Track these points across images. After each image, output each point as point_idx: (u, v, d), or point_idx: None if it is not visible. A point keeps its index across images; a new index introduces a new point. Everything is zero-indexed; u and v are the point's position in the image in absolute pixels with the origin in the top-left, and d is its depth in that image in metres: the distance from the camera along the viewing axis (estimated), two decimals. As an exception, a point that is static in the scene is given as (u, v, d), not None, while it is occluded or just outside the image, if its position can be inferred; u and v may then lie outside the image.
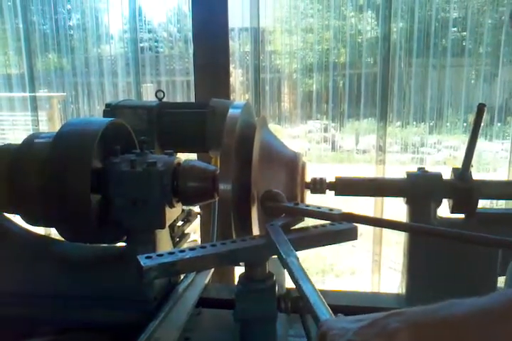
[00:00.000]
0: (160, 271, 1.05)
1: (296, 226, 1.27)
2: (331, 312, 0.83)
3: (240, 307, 1.19)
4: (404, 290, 1.63)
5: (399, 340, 0.70)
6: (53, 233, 1.60)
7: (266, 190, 1.29)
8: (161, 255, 1.08)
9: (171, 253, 1.10)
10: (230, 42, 2.74)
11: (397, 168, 4.43)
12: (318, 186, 1.51)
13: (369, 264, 4.01)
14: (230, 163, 1.26)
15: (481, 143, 4.32)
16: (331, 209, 1.23)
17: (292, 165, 1.42)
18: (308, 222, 1.33)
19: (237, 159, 1.29)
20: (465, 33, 4.35)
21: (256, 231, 1.34)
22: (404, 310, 0.74)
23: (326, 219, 1.23)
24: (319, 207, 1.25)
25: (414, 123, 4.55)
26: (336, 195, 1.54)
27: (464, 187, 1.49)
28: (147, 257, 1.07)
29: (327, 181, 1.52)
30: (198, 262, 1.10)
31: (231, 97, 2.78)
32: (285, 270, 1.55)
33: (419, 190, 1.52)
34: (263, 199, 1.27)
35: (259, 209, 1.31)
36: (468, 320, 0.69)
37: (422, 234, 1.46)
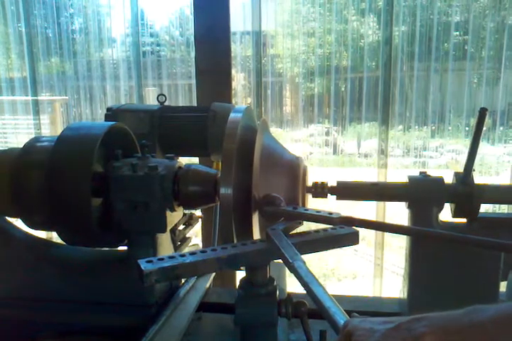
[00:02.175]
0: (160, 275, 1.05)
1: (297, 231, 1.27)
2: (346, 315, 0.83)
3: (240, 311, 1.19)
4: (405, 295, 1.63)
5: None
6: (55, 237, 1.60)
7: (267, 193, 1.28)
8: (161, 259, 1.08)
9: (171, 257, 1.09)
10: (232, 46, 2.74)
11: (400, 171, 4.42)
12: (320, 190, 1.50)
13: (371, 269, 4.00)
14: (230, 167, 1.26)
15: (483, 146, 4.31)
16: (330, 213, 1.22)
17: (293, 169, 1.42)
18: (311, 226, 1.32)
19: (238, 163, 1.28)
20: (467, 37, 4.35)
21: (257, 235, 1.34)
22: (429, 315, 0.74)
23: (325, 223, 1.23)
24: (318, 211, 1.24)
25: (417, 127, 4.55)
26: (337, 199, 1.53)
27: (465, 192, 1.48)
28: (148, 261, 1.07)
29: (328, 185, 1.52)
30: (199, 266, 1.10)
31: (233, 101, 2.78)
32: (286, 274, 1.55)
33: (420, 194, 1.51)
34: (262, 204, 1.27)
35: (260, 213, 1.30)
36: (495, 325, 0.70)
37: (421, 237, 1.46)
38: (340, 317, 0.82)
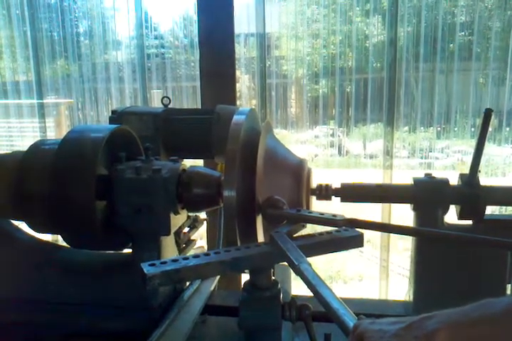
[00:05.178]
0: (163, 279, 1.04)
1: (301, 234, 1.26)
2: (355, 316, 0.82)
3: (244, 314, 1.18)
4: (411, 298, 1.61)
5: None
6: (60, 239, 1.60)
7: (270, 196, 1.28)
8: (164, 262, 1.08)
9: (174, 260, 1.09)
10: (236, 48, 2.74)
11: (406, 172, 4.41)
12: (324, 192, 1.49)
13: (377, 271, 3.98)
14: (234, 170, 1.26)
15: (489, 147, 4.29)
16: (334, 215, 1.22)
17: (297, 171, 1.41)
18: (316, 228, 1.32)
19: (242, 165, 1.28)
20: (473, 37, 4.33)
21: (261, 238, 1.33)
22: (438, 312, 0.74)
23: (329, 225, 1.22)
24: (322, 213, 1.24)
25: (422, 128, 4.53)
26: (341, 201, 1.52)
27: (471, 193, 1.47)
28: (151, 264, 1.07)
29: (333, 187, 1.51)
30: (202, 270, 1.09)
31: (237, 103, 2.78)
32: (291, 277, 1.54)
33: (426, 196, 1.50)
34: (264, 206, 1.27)
35: (263, 216, 1.30)
36: (508, 317, 0.69)
37: (426, 238, 1.45)
38: (350, 319, 0.81)
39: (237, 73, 3.69)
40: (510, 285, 1.51)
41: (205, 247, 2.32)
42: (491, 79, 4.33)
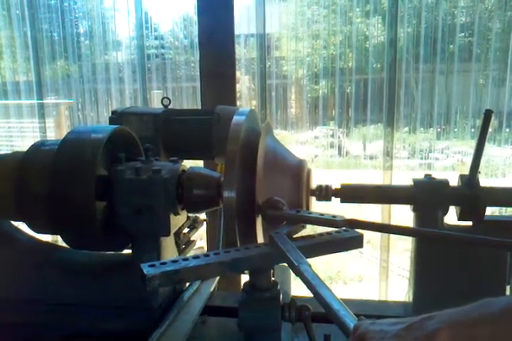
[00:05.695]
0: (163, 280, 1.04)
1: (301, 234, 1.26)
2: (355, 317, 0.82)
3: (243, 315, 1.18)
4: (411, 298, 1.61)
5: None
6: (59, 240, 1.60)
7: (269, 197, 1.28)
8: (164, 263, 1.08)
9: (174, 261, 1.09)
10: (237, 49, 2.74)
11: (405, 173, 4.41)
12: (324, 193, 1.49)
13: (377, 271, 3.98)
14: (234, 170, 1.26)
15: (490, 148, 4.29)
16: (333, 216, 1.22)
17: (297, 172, 1.41)
18: (317, 229, 1.32)
19: (242, 166, 1.28)
20: (473, 38, 4.33)
21: (261, 239, 1.33)
22: (438, 313, 0.74)
23: (329, 226, 1.22)
24: (322, 214, 1.24)
25: (422, 128, 4.53)
26: (341, 202, 1.52)
27: (471, 194, 1.47)
28: (150, 265, 1.07)
29: (333, 188, 1.51)
30: (202, 270, 1.09)
31: (238, 104, 2.78)
32: (291, 278, 1.54)
33: (425, 197, 1.50)
34: (264, 207, 1.27)
35: (262, 217, 1.30)
36: (508, 316, 0.69)
37: (426, 238, 1.45)
38: (350, 320, 0.82)
39: (237, 74, 3.70)
40: (509, 286, 1.51)
41: (205, 248, 2.32)
42: (491, 80, 4.33)
